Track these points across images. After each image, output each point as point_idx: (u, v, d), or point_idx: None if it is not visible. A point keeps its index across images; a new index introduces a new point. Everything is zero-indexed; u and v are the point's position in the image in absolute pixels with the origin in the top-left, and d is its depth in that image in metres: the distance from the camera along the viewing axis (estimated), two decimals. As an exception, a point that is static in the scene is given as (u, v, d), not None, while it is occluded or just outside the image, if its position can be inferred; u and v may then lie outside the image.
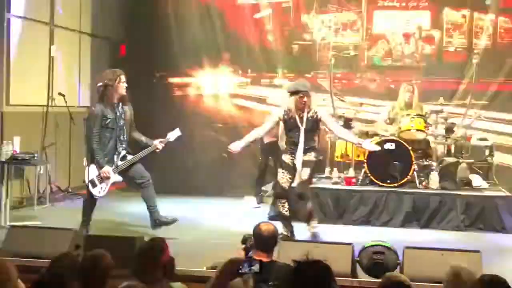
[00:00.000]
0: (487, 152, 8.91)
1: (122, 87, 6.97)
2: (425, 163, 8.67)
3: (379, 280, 3.53)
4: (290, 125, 7.11)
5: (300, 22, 10.63)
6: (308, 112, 7.04)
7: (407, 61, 10.35)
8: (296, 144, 7.05)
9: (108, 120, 6.95)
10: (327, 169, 9.20)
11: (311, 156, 7.12)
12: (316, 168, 7.43)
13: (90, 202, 7.03)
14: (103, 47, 10.98)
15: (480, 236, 7.66)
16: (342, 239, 6.68)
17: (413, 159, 8.32)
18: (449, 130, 8.67)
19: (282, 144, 7.46)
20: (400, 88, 9.24)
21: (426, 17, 10.23)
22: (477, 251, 5.72)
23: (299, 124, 7.04)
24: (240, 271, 3.43)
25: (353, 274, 5.56)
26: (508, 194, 8.34)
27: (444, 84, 9.91)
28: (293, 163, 7.09)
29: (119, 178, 7.14)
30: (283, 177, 7.13)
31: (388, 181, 8.40)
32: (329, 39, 10.50)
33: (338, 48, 10.01)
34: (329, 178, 9.01)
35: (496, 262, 6.62)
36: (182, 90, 10.84)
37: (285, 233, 7.14)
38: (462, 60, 9.84)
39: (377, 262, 5.48)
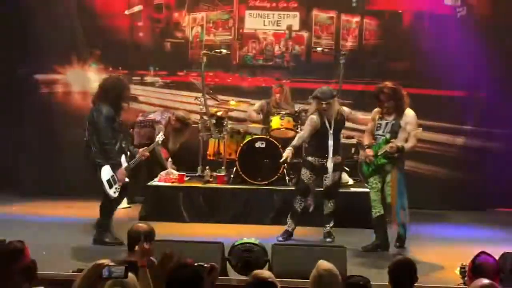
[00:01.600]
0: (353, 150, 9.23)
1: (127, 97, 7.33)
2: (295, 160, 8.84)
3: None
4: (319, 128, 7.40)
5: (172, 19, 10.56)
6: (336, 116, 7.41)
7: (278, 61, 10.53)
8: (325, 147, 7.38)
9: (116, 123, 7.13)
10: (199, 168, 9.19)
11: (339, 158, 7.51)
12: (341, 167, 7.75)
13: (110, 203, 7.26)
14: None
15: (347, 232, 7.91)
16: (215, 237, 6.71)
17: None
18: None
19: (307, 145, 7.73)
20: (272, 87, 9.38)
21: (296, 18, 10.45)
22: (342, 247, 5.91)
23: (328, 127, 7.38)
24: (103, 275, 3.34)
25: (223, 272, 5.59)
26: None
27: (313, 83, 10.17)
28: (321, 165, 7.42)
29: (127, 180, 7.32)
30: (307, 175, 7.49)
31: (259, 179, 8.51)
32: (201, 38, 10.50)
33: (210, 46, 10.02)
34: (201, 176, 9.01)
35: (361, 256, 6.89)
36: (50, 87, 10.47)
37: (289, 230, 7.52)
38: (329, 61, 10.13)
39: (247, 260, 5.54)
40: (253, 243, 6.02)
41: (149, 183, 8.87)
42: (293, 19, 10.47)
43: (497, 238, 7.76)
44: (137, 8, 10.52)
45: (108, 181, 7.16)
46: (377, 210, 7.24)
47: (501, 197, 9.79)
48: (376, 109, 7.36)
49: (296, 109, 9.11)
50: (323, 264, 3.82)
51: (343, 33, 10.40)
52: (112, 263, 3.39)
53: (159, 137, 8.14)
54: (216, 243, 5.83)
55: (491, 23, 10.18)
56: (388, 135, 7.12)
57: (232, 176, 8.75)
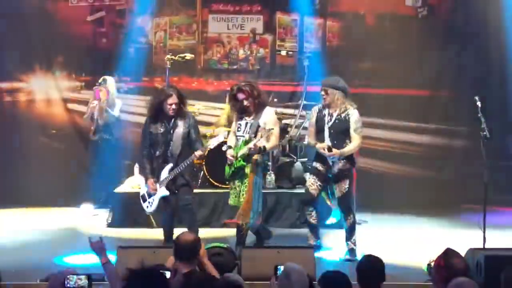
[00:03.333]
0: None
1: (167, 108, 6.89)
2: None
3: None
4: (319, 125, 6.89)
5: (135, 24, 10.50)
6: (339, 111, 6.83)
7: (243, 64, 10.55)
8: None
9: (154, 135, 6.93)
10: (166, 173, 9.15)
11: (344, 163, 6.83)
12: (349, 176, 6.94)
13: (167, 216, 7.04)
14: None
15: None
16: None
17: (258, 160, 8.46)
18: (284, 130, 8.92)
19: (311, 142, 7.03)
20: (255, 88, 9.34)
21: (260, 21, 10.48)
22: (311, 247, 5.94)
23: (325, 121, 6.86)
24: (66, 285, 3.30)
25: (192, 277, 5.58)
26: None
27: (278, 86, 10.22)
28: (326, 170, 6.84)
29: (166, 192, 6.95)
30: (313, 183, 6.91)
31: (226, 183, 8.49)
32: (164, 42, 10.47)
33: (174, 51, 9.99)
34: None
35: (328, 256, 6.93)
36: (12, 95, 10.35)
37: (312, 243, 6.88)
38: (293, 63, 10.17)
39: (216, 263, 5.53)
40: (222, 247, 6.04)
41: (115, 190, 8.82)
42: (256, 22, 10.50)
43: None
44: (99, 14, 10.45)
45: (143, 196, 7.09)
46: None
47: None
48: (229, 109, 7.28)
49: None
50: (290, 265, 3.83)
51: (306, 35, 10.46)
52: (75, 273, 3.36)
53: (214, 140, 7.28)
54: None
55: (452, 22, 10.34)
56: (247, 136, 6.83)
57: (199, 180, 8.73)
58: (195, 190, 8.47)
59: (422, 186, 10.07)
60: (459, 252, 4.34)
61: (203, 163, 8.62)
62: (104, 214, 8.78)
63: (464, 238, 7.19)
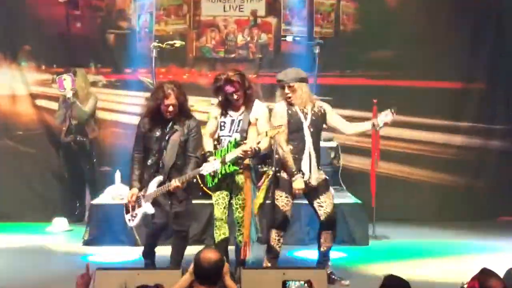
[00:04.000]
0: (332, 154, 9.28)
1: (163, 109, 6.64)
2: (265, 169, 8.84)
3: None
4: (294, 124, 6.71)
5: (115, 7, 10.51)
6: (312, 106, 6.76)
7: (242, 53, 10.54)
8: (302, 151, 6.67)
9: (148, 138, 6.74)
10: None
11: (322, 174, 6.82)
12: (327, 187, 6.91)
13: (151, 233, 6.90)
14: None
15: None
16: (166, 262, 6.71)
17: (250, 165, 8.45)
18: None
19: (284, 149, 6.73)
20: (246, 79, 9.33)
21: (261, 2, 10.48)
22: (322, 268, 5.94)
23: (303, 121, 6.70)
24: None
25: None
26: (356, 200, 8.74)
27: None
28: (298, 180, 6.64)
29: (150, 210, 6.68)
30: (282, 200, 6.70)
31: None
32: (150, 28, 10.47)
33: (162, 38, 9.98)
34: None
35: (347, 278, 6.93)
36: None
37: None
38: (301, 51, 10.18)
39: None
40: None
41: (93, 201, 8.82)
42: (258, 3, 10.50)
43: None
44: (74, -5, 10.47)
45: (126, 206, 6.86)
46: (221, 232, 6.81)
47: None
48: (215, 105, 7.05)
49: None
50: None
51: (317, 18, 10.46)
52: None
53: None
54: (175, 269, 5.83)
55: (488, 2, 10.33)
56: (237, 136, 6.70)
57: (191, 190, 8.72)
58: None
59: (453, 194, 10.07)
60: (497, 272, 4.35)
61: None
62: (80, 230, 8.77)
63: (502, 255, 7.19)
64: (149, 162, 6.75)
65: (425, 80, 10.23)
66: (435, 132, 10.29)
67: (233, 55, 10.60)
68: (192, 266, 4.69)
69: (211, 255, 4.65)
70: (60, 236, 8.95)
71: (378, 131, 7.16)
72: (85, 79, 9.69)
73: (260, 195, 6.87)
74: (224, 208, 6.82)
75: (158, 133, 6.72)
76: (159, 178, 6.68)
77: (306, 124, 6.70)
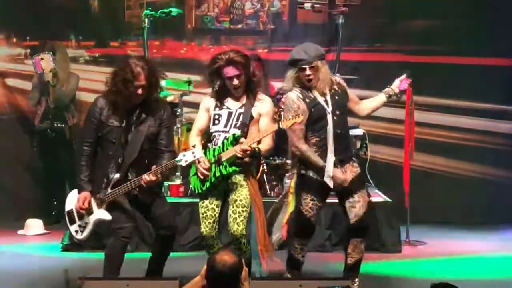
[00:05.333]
0: (358, 144, 9.30)
1: (131, 92, 6.27)
2: (278, 161, 8.88)
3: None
4: (316, 115, 6.57)
5: (99, -33, 10.57)
6: (331, 89, 6.64)
7: (250, 23, 10.56)
8: (327, 143, 6.55)
9: (109, 128, 6.41)
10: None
11: (355, 165, 6.72)
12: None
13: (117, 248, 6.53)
14: None
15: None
16: (167, 271, 6.74)
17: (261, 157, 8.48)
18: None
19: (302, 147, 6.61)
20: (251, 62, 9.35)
21: (274, -39, 10.52)
22: (347, 279, 5.96)
23: (326, 107, 6.58)
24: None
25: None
26: (387, 199, 8.77)
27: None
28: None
29: (106, 216, 6.47)
30: (307, 204, 6.63)
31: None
32: (141, -8, 10.51)
33: (155, 5, 10.02)
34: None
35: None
36: None
37: None
38: (322, 21, 10.19)
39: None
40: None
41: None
42: (269, -37, 10.55)
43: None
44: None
45: (70, 214, 6.60)
46: (215, 250, 6.55)
47: None
48: (209, 94, 6.71)
49: (277, 89, 9.15)
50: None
51: (340, -18, 10.47)
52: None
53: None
54: (171, 279, 5.87)
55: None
56: (237, 132, 6.50)
57: (191, 186, 8.76)
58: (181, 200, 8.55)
59: (503, 192, 10.08)
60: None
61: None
62: (58, 234, 8.82)
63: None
64: (105, 157, 6.46)
65: (470, 57, 10.25)
66: (481, 118, 10.31)
67: (239, 26, 10.63)
68: (204, 268, 4.71)
69: (227, 257, 4.62)
70: (34, 240, 8.99)
71: (398, 98, 6.85)
72: (65, 57, 9.72)
73: (291, 201, 6.71)
74: (214, 222, 6.61)
75: (120, 122, 6.41)
76: (116, 176, 6.41)
77: (329, 109, 6.60)
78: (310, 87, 6.56)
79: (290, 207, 6.72)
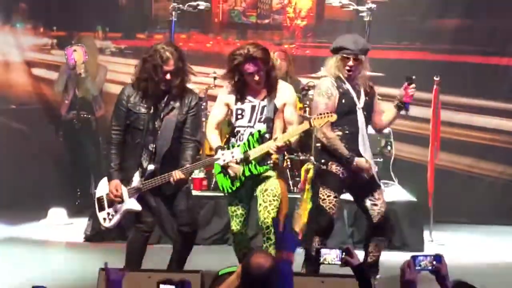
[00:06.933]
0: (383, 142, 9.28)
1: (159, 78, 6.25)
2: (302, 157, 8.88)
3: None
4: (346, 106, 6.54)
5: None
6: (366, 87, 6.64)
7: (277, 18, 10.57)
8: (354, 139, 6.56)
9: (136, 116, 6.39)
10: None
11: (373, 165, 6.74)
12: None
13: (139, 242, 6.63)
14: None
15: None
16: (189, 264, 6.76)
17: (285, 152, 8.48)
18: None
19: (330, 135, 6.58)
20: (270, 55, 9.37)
21: (302, -44, 10.52)
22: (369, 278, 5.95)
23: (357, 102, 6.58)
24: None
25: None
26: (411, 198, 8.76)
27: (326, 50, 10.18)
28: (348, 175, 6.57)
29: (136, 206, 6.46)
30: (330, 201, 6.61)
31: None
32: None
33: (183, -3, 10.05)
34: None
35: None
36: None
37: None
38: (350, 17, 10.17)
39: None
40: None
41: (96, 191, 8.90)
42: (298, -42, 10.56)
43: None
44: None
45: (100, 200, 6.64)
46: (242, 246, 6.69)
47: None
48: (227, 89, 6.60)
49: (303, 85, 9.15)
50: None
51: (368, -21, 10.45)
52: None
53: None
54: (193, 272, 5.88)
55: None
56: (262, 128, 6.40)
57: (214, 179, 8.78)
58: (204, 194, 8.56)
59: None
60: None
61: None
62: (82, 223, 8.86)
63: None
64: (134, 146, 6.43)
65: (499, 56, 10.22)
66: (509, 118, 10.27)
67: (267, 21, 10.63)
68: (239, 268, 4.67)
69: (262, 260, 4.47)
70: (57, 230, 9.04)
71: (406, 111, 6.74)
72: (94, 49, 9.75)
73: (307, 198, 6.75)
74: (244, 220, 6.63)
75: (148, 109, 6.37)
76: (150, 167, 6.41)
77: (360, 105, 6.60)
78: (348, 78, 6.53)
79: (307, 205, 6.76)
